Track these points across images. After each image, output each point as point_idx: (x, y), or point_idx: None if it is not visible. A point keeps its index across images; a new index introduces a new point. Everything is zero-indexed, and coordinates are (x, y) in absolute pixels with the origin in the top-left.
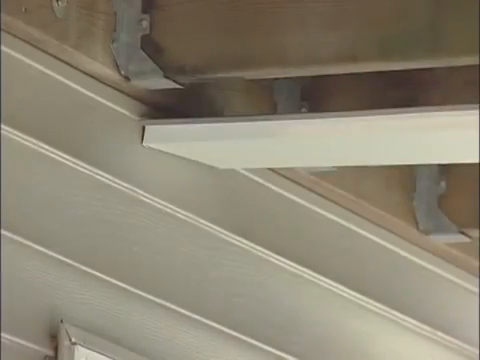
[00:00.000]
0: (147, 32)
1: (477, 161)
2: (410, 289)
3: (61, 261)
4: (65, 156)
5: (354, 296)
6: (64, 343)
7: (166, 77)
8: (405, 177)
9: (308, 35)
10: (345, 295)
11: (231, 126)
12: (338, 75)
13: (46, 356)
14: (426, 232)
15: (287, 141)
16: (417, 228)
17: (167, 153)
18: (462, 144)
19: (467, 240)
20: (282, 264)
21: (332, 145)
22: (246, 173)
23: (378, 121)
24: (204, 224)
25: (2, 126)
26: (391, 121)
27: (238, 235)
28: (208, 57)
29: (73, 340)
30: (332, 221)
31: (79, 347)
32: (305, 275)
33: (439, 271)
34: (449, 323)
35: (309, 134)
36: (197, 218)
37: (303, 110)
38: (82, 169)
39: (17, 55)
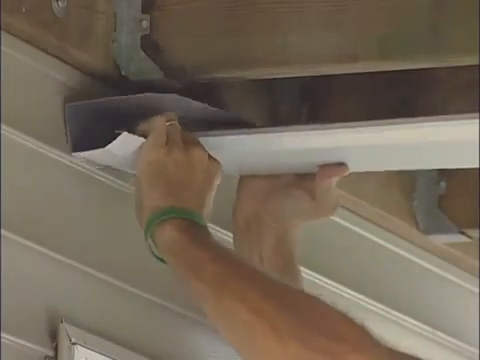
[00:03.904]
0: (147, 32)
1: (477, 166)
2: (410, 289)
3: (61, 261)
4: (65, 156)
5: (354, 296)
6: (64, 343)
7: (166, 77)
8: (405, 177)
9: (308, 35)
10: (345, 295)
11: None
12: (338, 75)
13: (46, 356)
14: (426, 232)
15: (286, 152)
16: (417, 228)
17: None
18: (462, 151)
19: (467, 240)
20: None
21: (331, 156)
22: None
23: (377, 130)
24: None
25: (2, 126)
26: (391, 130)
27: None
28: (208, 57)
29: (73, 340)
30: (332, 221)
31: (79, 347)
32: (305, 275)
33: (439, 271)
34: (449, 323)
35: (308, 146)
36: None
37: (303, 110)
38: (82, 169)
39: (17, 55)
